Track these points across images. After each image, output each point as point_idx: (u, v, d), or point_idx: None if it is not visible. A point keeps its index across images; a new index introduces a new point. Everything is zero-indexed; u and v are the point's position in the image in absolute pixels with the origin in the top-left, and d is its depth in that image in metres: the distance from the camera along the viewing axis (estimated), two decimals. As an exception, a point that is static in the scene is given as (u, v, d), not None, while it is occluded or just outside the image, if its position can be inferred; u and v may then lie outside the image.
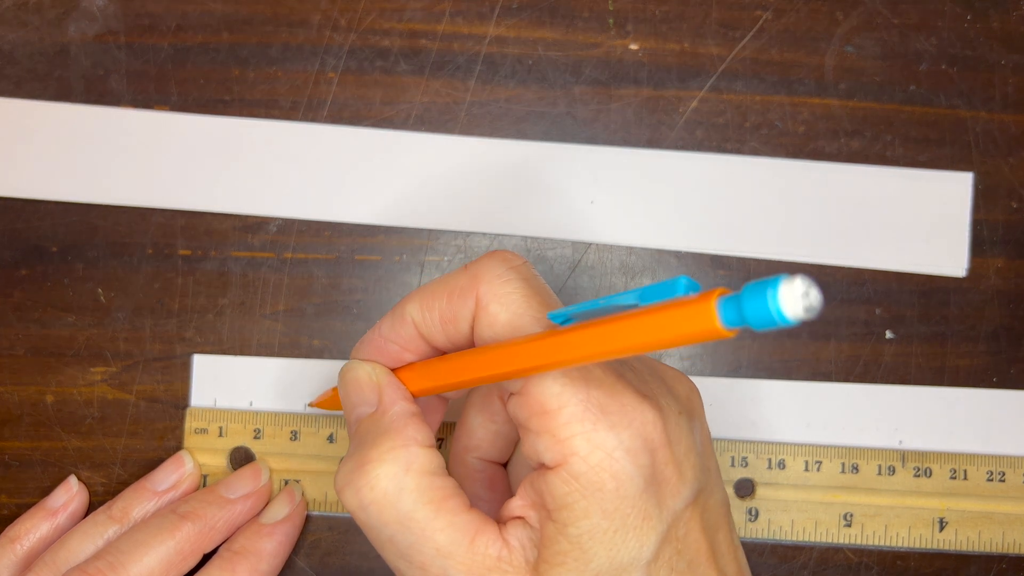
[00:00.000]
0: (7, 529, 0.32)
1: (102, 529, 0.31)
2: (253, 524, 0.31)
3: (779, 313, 0.17)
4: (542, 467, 0.23)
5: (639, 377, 0.24)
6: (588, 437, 0.22)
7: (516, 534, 0.23)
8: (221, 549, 0.31)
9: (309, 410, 0.33)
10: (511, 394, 0.24)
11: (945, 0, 0.34)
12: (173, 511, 0.30)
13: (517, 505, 0.24)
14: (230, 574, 0.30)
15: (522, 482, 0.24)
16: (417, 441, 0.24)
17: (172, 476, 0.32)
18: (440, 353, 0.26)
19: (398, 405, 0.25)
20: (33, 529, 0.32)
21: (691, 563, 0.24)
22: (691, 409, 0.25)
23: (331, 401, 0.31)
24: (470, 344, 0.25)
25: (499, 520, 0.24)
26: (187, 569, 0.30)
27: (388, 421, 0.25)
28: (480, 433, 0.28)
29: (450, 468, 0.29)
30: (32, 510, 0.32)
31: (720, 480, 0.26)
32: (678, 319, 0.18)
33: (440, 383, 0.25)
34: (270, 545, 0.31)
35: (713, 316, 0.17)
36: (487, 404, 0.28)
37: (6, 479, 0.34)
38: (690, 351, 0.34)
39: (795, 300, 0.16)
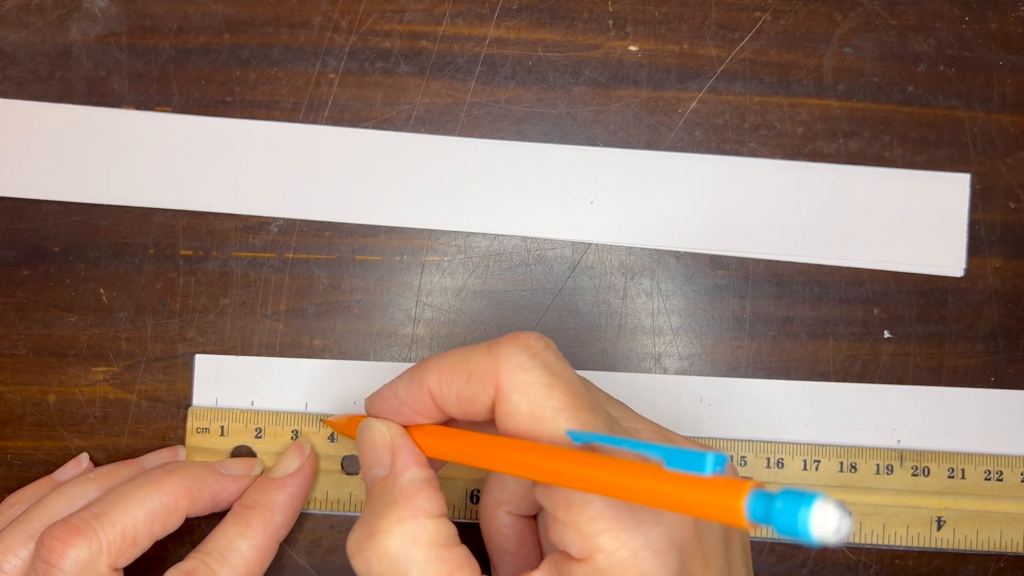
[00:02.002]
0: (11, 495, 0.32)
1: (83, 490, 0.30)
2: (264, 479, 0.31)
3: (806, 532, 0.17)
4: (567, 554, 0.23)
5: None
6: (614, 535, 0.22)
7: None
8: (235, 505, 0.30)
9: (310, 410, 0.34)
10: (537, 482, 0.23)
11: (943, 1, 0.35)
12: (162, 467, 0.30)
13: None
14: (245, 527, 0.29)
15: (546, 560, 0.24)
16: (426, 512, 0.24)
17: (164, 459, 0.32)
18: (455, 422, 0.27)
19: (410, 471, 0.25)
20: (36, 497, 0.31)
21: None
22: None
23: (345, 427, 0.31)
24: (486, 421, 0.25)
25: None
26: (172, 527, 0.29)
27: (399, 488, 0.25)
28: (512, 487, 0.28)
29: (481, 520, 0.29)
30: (40, 480, 0.32)
31: (746, 561, 0.26)
32: (705, 501, 0.18)
33: (455, 458, 0.25)
34: (282, 498, 0.31)
35: (740, 511, 0.17)
36: None
37: (8, 478, 0.34)
38: (688, 351, 0.34)
39: (826, 526, 0.17)
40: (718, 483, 0.18)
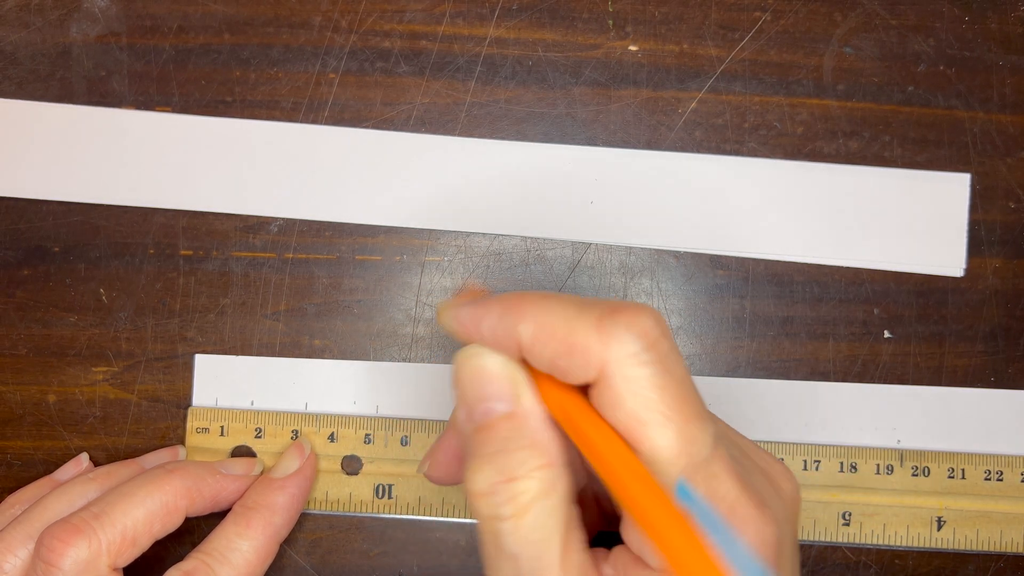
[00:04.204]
0: (10, 496, 0.32)
1: (82, 490, 0.30)
2: (264, 480, 0.31)
3: None
4: (640, 560, 0.22)
5: (757, 478, 0.23)
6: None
7: None
8: (236, 506, 0.30)
9: (310, 410, 0.34)
10: None
11: (943, 1, 0.35)
12: (162, 467, 0.30)
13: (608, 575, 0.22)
14: (245, 528, 0.29)
15: (620, 558, 0.22)
16: (562, 460, 0.22)
17: (163, 459, 0.32)
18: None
19: (538, 412, 0.23)
20: (36, 497, 0.31)
21: None
22: (795, 512, 0.24)
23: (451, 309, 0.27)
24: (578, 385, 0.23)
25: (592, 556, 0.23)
26: (172, 526, 0.29)
27: (533, 431, 0.23)
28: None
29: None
30: (40, 480, 0.32)
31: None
32: None
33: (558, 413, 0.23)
34: (282, 498, 0.31)
35: None
36: None
37: (8, 478, 0.34)
38: (688, 351, 0.34)
39: None
40: None
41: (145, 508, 0.28)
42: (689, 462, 0.21)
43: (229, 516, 0.30)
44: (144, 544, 0.29)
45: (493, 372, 0.23)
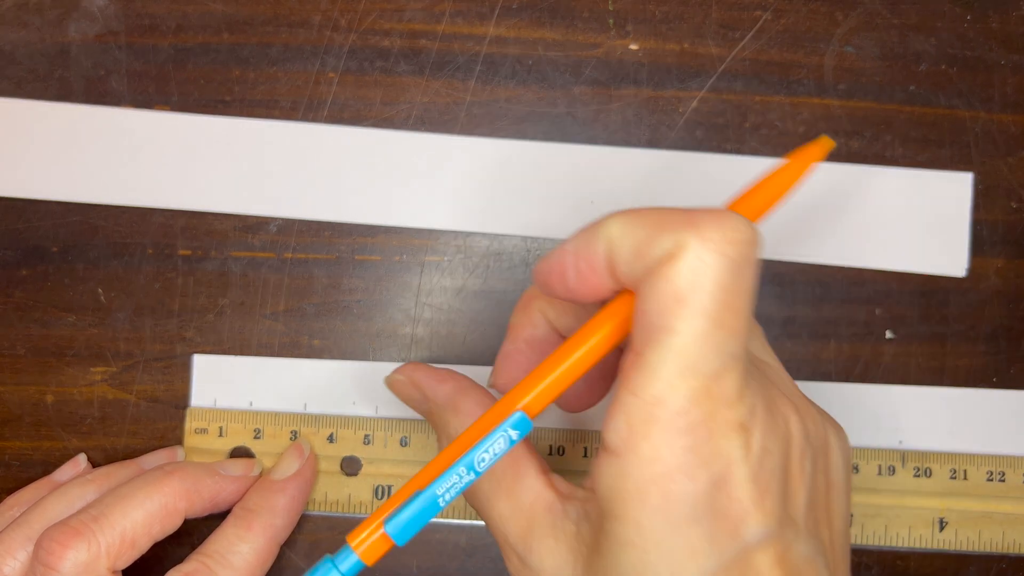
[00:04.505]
0: (9, 497, 0.32)
1: (81, 491, 0.30)
2: (264, 482, 0.31)
3: None
4: (607, 450, 0.21)
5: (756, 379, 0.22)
6: (653, 443, 0.20)
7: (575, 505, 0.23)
8: (236, 507, 0.30)
9: (309, 410, 0.33)
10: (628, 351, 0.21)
11: (944, 0, 0.34)
12: (160, 468, 0.30)
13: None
14: (246, 531, 0.29)
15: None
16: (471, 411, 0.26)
17: (162, 459, 0.32)
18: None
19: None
20: (34, 498, 0.31)
21: None
22: (790, 433, 0.22)
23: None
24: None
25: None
26: (171, 528, 0.29)
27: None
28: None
29: (514, 315, 0.27)
30: (38, 481, 0.32)
31: (838, 524, 0.23)
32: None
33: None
34: (283, 500, 0.30)
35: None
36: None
37: (7, 479, 0.34)
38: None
39: None
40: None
41: (144, 510, 0.28)
42: (693, 368, 0.20)
43: (229, 518, 0.30)
44: (143, 546, 0.29)
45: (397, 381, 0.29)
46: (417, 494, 0.22)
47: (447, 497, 0.22)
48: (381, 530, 0.22)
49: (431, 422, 0.28)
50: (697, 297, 0.20)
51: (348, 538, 0.23)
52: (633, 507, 0.21)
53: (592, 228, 0.22)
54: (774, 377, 0.24)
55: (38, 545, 0.27)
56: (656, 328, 0.20)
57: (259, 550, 0.29)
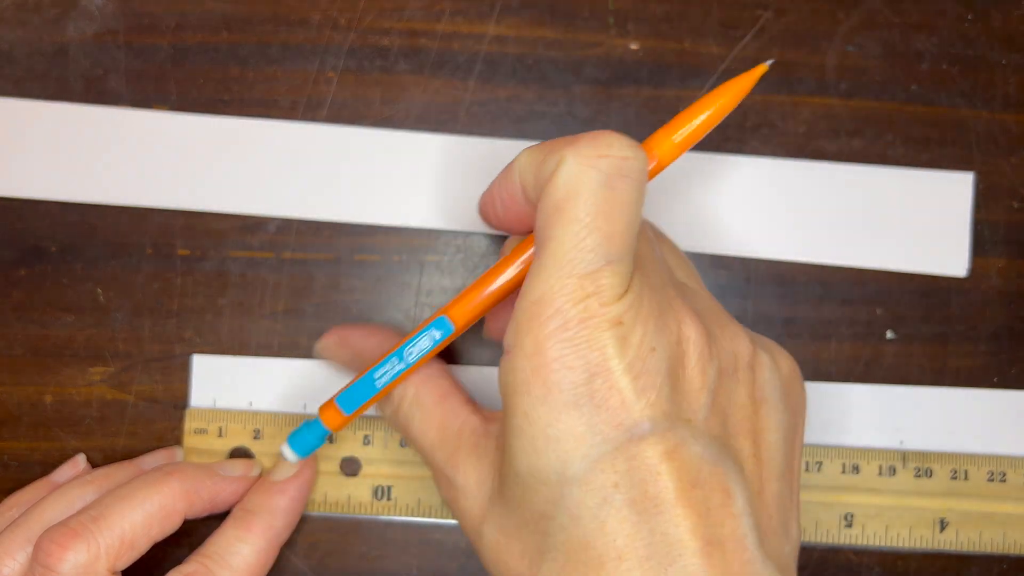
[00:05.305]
0: (8, 498, 0.32)
1: (80, 492, 0.30)
2: (264, 483, 0.31)
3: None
4: (504, 352, 0.24)
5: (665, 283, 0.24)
6: (534, 337, 0.22)
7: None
8: (236, 509, 0.30)
9: (309, 411, 0.33)
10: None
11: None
12: (160, 469, 0.30)
13: None
14: (246, 532, 0.29)
15: None
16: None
17: (160, 460, 0.32)
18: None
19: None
20: (33, 499, 0.31)
21: (640, 505, 0.22)
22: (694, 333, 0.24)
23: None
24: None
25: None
26: (170, 529, 0.29)
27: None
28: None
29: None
30: (37, 482, 0.32)
31: (769, 438, 0.25)
32: None
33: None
34: (283, 502, 0.30)
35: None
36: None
37: (5, 480, 0.33)
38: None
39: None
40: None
41: (143, 511, 0.28)
42: (568, 265, 0.23)
43: (229, 519, 0.30)
44: (142, 547, 0.28)
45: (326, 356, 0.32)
46: (361, 378, 0.28)
47: (383, 381, 0.27)
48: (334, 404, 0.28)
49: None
50: (570, 205, 0.22)
51: (319, 410, 0.29)
52: (521, 398, 0.23)
53: (510, 163, 0.25)
54: (692, 297, 0.26)
55: (37, 546, 0.27)
56: (541, 238, 0.23)
57: (259, 551, 0.29)
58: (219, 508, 0.31)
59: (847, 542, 0.33)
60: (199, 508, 0.30)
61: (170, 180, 0.34)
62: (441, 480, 0.27)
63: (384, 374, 0.27)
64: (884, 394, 0.34)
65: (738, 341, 0.25)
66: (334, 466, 0.33)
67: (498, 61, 0.34)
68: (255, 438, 0.33)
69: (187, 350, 0.34)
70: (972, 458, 0.33)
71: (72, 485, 0.30)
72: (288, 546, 0.33)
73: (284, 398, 0.33)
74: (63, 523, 0.28)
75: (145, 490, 0.29)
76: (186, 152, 0.34)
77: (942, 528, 0.33)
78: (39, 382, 0.34)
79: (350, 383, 0.28)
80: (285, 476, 0.31)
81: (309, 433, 0.29)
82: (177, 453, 0.33)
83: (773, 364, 0.26)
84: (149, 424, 0.33)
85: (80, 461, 0.33)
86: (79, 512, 0.28)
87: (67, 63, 0.34)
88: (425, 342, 0.27)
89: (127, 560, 0.28)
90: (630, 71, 0.34)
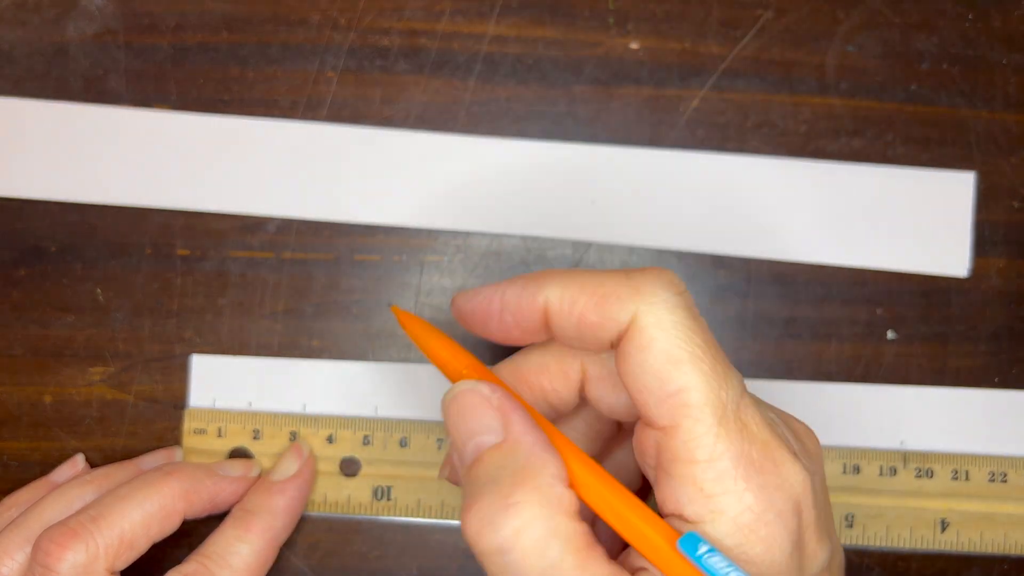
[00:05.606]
0: (6, 498, 0.32)
1: (79, 492, 0.30)
2: (263, 483, 0.31)
3: None
4: (679, 518, 0.22)
5: (784, 429, 0.23)
6: (740, 496, 0.21)
7: None
8: (235, 509, 0.30)
9: (308, 411, 0.33)
10: (649, 426, 0.22)
11: (947, -1, 0.34)
12: (159, 469, 0.30)
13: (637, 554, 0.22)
14: (244, 531, 0.29)
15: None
16: (561, 479, 0.22)
17: (160, 460, 0.32)
18: (550, 341, 0.24)
19: (530, 435, 0.22)
20: (32, 499, 0.31)
21: None
22: (820, 467, 0.24)
23: (413, 327, 0.27)
24: (600, 350, 0.23)
25: (621, 563, 0.22)
26: (169, 529, 0.29)
27: (525, 454, 0.22)
28: (605, 369, 0.25)
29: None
30: (35, 482, 0.32)
31: (836, 536, 0.25)
32: None
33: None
34: (282, 502, 0.30)
35: None
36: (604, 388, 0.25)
37: (5, 480, 0.33)
38: (691, 351, 0.34)
39: None
40: None
41: (142, 511, 0.28)
42: (720, 403, 0.21)
43: (228, 519, 0.30)
44: (142, 547, 0.28)
45: (480, 401, 0.23)
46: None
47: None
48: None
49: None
50: (685, 350, 0.21)
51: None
52: (739, 562, 0.21)
53: (529, 285, 0.23)
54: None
55: (36, 546, 0.27)
56: (667, 393, 0.21)
57: (258, 551, 0.29)
58: (219, 508, 0.31)
59: (848, 543, 0.33)
60: (198, 508, 0.30)
61: (170, 180, 0.34)
62: None
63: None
64: (885, 394, 0.34)
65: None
66: (334, 466, 0.33)
67: (498, 61, 0.34)
68: (254, 438, 0.33)
69: (187, 350, 0.34)
70: (973, 458, 0.33)
71: (71, 485, 0.30)
72: (288, 546, 0.33)
73: (284, 398, 0.33)
74: (62, 523, 0.28)
75: (144, 490, 0.29)
76: (186, 152, 0.34)
77: (943, 529, 0.33)
78: (39, 382, 0.34)
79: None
80: (285, 476, 0.31)
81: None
82: (176, 453, 0.33)
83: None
84: (149, 424, 0.33)
85: (79, 461, 0.33)
86: (78, 512, 0.28)
87: (67, 63, 0.34)
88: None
89: (126, 560, 0.28)
90: (630, 71, 0.34)
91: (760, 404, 0.23)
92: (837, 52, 0.34)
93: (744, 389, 0.22)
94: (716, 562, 0.20)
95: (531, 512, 0.21)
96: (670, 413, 0.21)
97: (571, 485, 0.22)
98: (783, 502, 0.21)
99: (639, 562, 0.22)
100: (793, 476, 0.21)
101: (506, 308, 0.24)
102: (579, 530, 0.21)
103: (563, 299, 0.23)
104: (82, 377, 0.34)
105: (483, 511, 0.21)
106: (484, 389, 0.23)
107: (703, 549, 0.20)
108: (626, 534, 0.22)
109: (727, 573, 0.20)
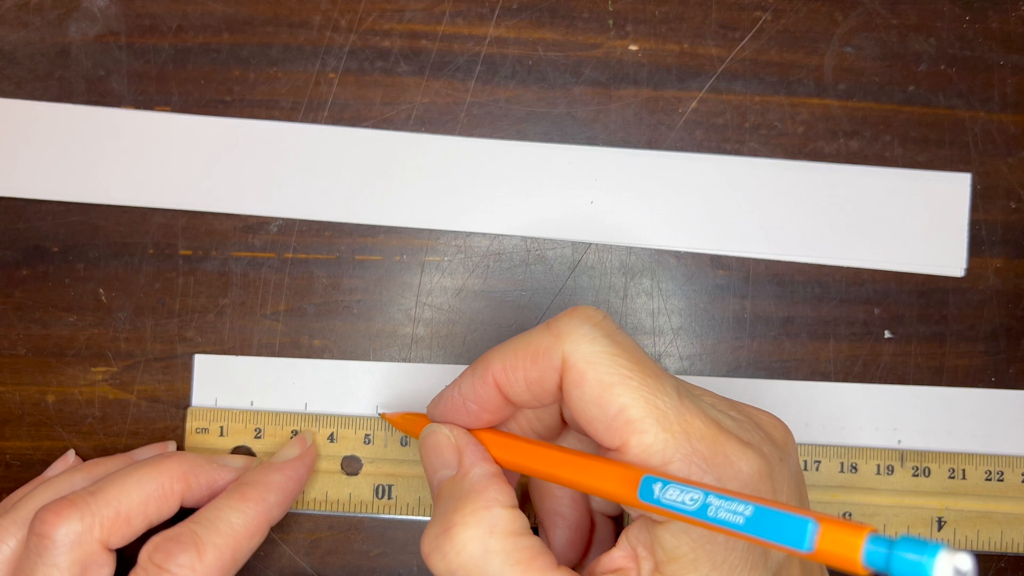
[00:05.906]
0: (6, 499, 0.32)
1: (69, 479, 0.30)
2: (263, 463, 0.31)
3: None
4: (646, 519, 0.23)
5: (738, 424, 0.24)
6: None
7: None
8: (232, 484, 0.30)
9: (310, 410, 0.34)
10: (607, 449, 0.24)
11: (944, 1, 0.35)
12: (159, 452, 0.30)
13: (618, 556, 0.24)
14: (239, 500, 0.29)
15: (623, 533, 0.24)
16: (499, 502, 0.24)
17: (154, 453, 0.32)
18: (518, 410, 0.27)
19: (478, 467, 0.25)
20: None
21: None
22: (788, 454, 0.25)
23: (402, 424, 0.31)
24: (555, 401, 0.25)
25: (592, 573, 0.24)
26: (167, 511, 0.29)
27: (469, 483, 0.25)
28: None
29: (531, 483, 0.30)
30: (31, 482, 0.32)
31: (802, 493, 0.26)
32: (821, 555, 0.18)
33: (518, 464, 0.26)
34: (279, 478, 0.30)
35: (856, 559, 0.18)
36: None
37: (7, 479, 0.34)
38: (689, 351, 0.34)
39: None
40: (830, 536, 0.18)
41: (141, 489, 0.28)
42: (659, 412, 0.23)
43: (224, 492, 0.30)
44: (138, 525, 0.28)
45: (441, 444, 0.26)
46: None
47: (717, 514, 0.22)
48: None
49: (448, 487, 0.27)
50: (615, 373, 0.23)
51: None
52: (705, 550, 0.22)
53: (477, 369, 0.26)
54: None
55: (34, 519, 0.27)
56: (610, 417, 0.23)
57: (248, 522, 0.29)
58: (217, 492, 0.31)
59: (845, 541, 0.33)
60: (197, 493, 0.30)
61: (172, 181, 0.34)
62: None
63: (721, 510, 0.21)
64: (882, 393, 0.34)
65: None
66: (335, 465, 0.33)
67: (498, 62, 0.34)
68: (256, 437, 0.33)
69: (189, 350, 0.34)
70: (969, 457, 0.33)
71: (62, 475, 0.30)
72: (290, 544, 0.33)
73: (285, 398, 0.34)
74: (60, 497, 0.28)
75: (143, 469, 0.29)
76: (187, 153, 0.34)
77: (939, 527, 0.33)
78: (41, 382, 0.34)
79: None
80: (286, 459, 0.31)
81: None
82: (169, 446, 0.33)
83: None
84: (151, 424, 0.34)
85: (70, 456, 0.33)
86: (79, 490, 0.28)
87: (69, 64, 0.34)
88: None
89: (122, 536, 0.28)
90: (629, 72, 0.34)
91: (702, 403, 0.24)
92: (835, 54, 0.34)
93: (682, 393, 0.24)
94: (673, 495, 0.21)
95: (467, 534, 0.23)
96: (618, 434, 0.23)
97: (530, 492, 0.25)
98: (739, 490, 0.22)
99: (611, 565, 0.24)
100: (746, 464, 0.23)
101: (466, 399, 0.26)
102: (520, 544, 0.23)
103: (506, 369, 0.25)
104: (84, 377, 0.34)
105: (430, 536, 0.24)
106: (445, 430, 0.27)
107: (658, 489, 0.22)
108: (598, 493, 0.24)
109: (684, 500, 0.21)
